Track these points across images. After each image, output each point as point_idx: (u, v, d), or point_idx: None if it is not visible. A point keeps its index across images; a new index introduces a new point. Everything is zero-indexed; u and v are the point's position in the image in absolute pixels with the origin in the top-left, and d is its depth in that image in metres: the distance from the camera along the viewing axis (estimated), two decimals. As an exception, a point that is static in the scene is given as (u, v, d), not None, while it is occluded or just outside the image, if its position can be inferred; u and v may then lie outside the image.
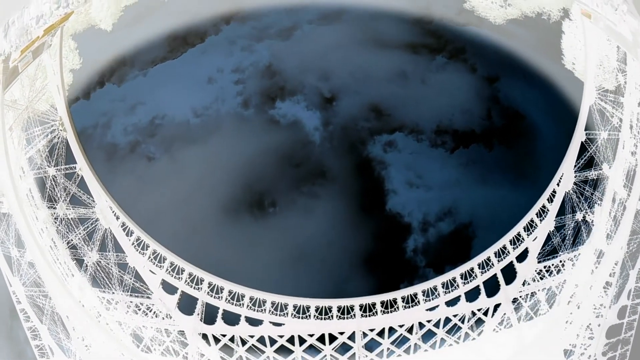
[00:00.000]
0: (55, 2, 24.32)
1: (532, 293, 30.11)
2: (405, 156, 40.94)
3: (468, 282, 30.76)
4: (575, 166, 29.15)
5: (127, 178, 38.46)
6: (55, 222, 27.73)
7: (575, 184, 29.65)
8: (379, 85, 39.32)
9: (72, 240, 27.87)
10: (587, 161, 29.00)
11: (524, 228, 30.77)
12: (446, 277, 31.17)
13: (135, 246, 29.29)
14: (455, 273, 31.14)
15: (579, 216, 29.21)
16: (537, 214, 30.64)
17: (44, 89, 26.96)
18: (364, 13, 40.13)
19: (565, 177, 29.85)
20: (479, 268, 30.92)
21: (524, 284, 30.18)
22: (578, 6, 26.51)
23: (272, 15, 41.41)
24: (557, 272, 29.66)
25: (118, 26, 35.42)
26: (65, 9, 24.97)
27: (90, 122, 39.11)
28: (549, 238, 30.07)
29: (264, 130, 39.79)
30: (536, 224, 30.53)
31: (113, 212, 28.98)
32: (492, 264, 30.74)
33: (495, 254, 30.98)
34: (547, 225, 30.15)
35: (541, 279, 29.88)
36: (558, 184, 30.21)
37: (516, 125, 39.14)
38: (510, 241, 30.89)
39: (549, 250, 30.26)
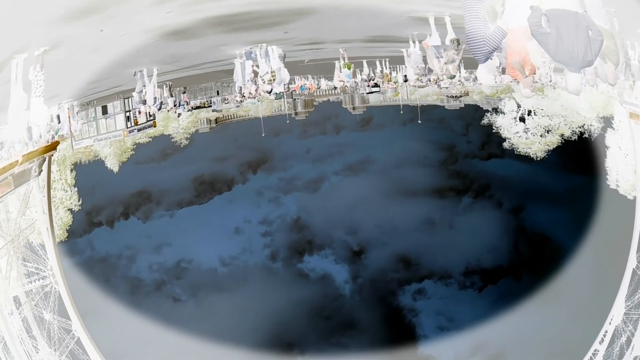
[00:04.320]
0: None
1: None
2: (435, 302, 40.31)
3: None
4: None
5: (152, 315, 37.14)
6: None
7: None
8: (406, 235, 39.80)
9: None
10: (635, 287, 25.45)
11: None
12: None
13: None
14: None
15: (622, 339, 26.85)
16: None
17: (32, 225, 25.12)
18: (389, 161, 42.33)
19: (616, 313, 26.86)
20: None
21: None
22: (623, 111, 24.82)
23: (298, 165, 43.58)
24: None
25: (144, 160, 36.80)
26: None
27: (114, 251, 38.49)
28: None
29: (293, 284, 39.29)
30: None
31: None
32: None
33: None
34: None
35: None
36: (610, 322, 26.96)
37: (542, 249, 39.07)
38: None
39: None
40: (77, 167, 32.47)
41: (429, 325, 39.38)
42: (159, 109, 19.44)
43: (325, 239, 40.64)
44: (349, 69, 18.23)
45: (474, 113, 40.06)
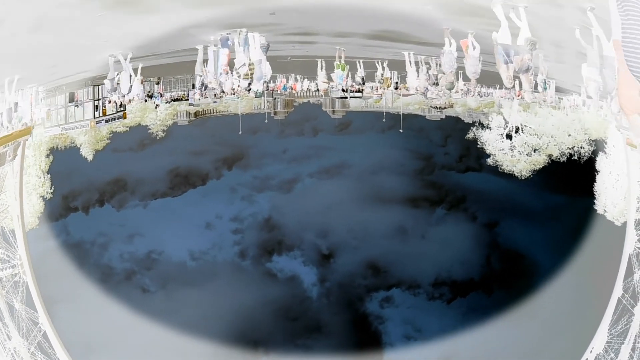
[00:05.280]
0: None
1: None
2: (403, 310, 40.34)
3: None
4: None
5: (122, 306, 37.29)
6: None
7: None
8: (377, 242, 39.86)
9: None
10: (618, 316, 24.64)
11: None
12: None
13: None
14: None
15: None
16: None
17: (5, 211, 24.85)
18: (365, 167, 42.36)
19: (598, 342, 25.79)
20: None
21: None
22: (618, 135, 24.20)
23: (273, 165, 43.58)
24: None
25: (122, 148, 36.62)
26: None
27: (88, 238, 38.45)
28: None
29: (261, 283, 39.25)
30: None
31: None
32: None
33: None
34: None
35: None
36: (591, 351, 25.98)
37: (516, 266, 39.10)
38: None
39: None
40: (55, 151, 32.43)
41: (395, 334, 39.34)
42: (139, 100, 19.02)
43: (296, 240, 40.70)
44: (343, 70, 16.59)
45: (454, 125, 40.22)
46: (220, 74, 11.90)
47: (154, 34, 11.85)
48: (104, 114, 23.06)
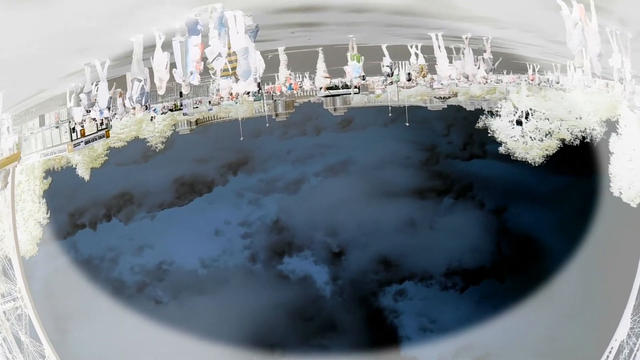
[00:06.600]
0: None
1: None
2: (417, 303, 40.29)
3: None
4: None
5: (135, 318, 37.57)
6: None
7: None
8: (387, 236, 39.77)
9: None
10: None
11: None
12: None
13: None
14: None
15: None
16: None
17: (2, 241, 23.98)
18: (369, 162, 42.18)
19: (622, 329, 24.74)
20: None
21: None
22: (632, 115, 23.52)
23: (278, 167, 43.48)
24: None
25: (125, 162, 36.32)
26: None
27: (97, 254, 38.75)
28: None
29: (273, 285, 39.34)
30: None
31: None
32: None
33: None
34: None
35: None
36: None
37: (526, 251, 38.87)
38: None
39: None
40: (52, 172, 31.98)
41: (411, 327, 39.34)
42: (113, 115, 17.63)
43: (305, 240, 40.79)
44: (359, 61, 13.72)
45: (455, 114, 39.91)
46: (192, 73, 8.24)
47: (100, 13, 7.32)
48: (83, 135, 20.91)
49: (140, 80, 9.57)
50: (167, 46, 8.38)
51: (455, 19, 10.40)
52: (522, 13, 9.26)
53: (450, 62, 13.34)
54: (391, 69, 15.85)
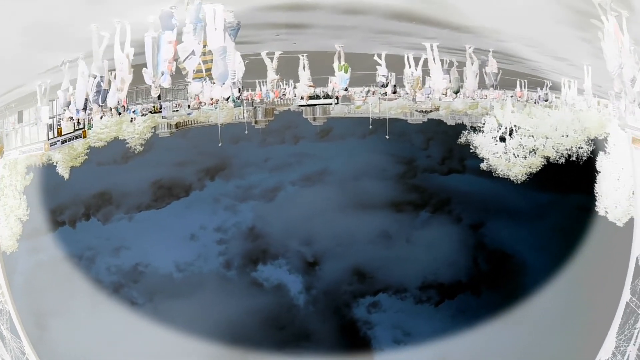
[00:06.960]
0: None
1: None
2: (391, 315, 40.42)
3: None
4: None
5: (111, 319, 37.36)
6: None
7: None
8: (362, 248, 39.94)
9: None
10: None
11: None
12: None
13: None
14: None
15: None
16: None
17: None
18: (347, 173, 42.39)
19: (607, 348, 23.96)
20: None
21: None
22: (621, 134, 23.06)
23: (256, 174, 43.60)
24: None
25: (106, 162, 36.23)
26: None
27: (76, 252, 38.50)
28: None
29: (247, 292, 39.39)
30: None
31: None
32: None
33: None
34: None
35: None
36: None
37: (504, 266, 39.08)
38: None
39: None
40: (34, 168, 32.06)
41: (385, 339, 39.47)
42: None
43: (280, 248, 40.88)
44: (347, 72, 12.72)
45: (436, 127, 40.29)
46: (163, 74, 7.28)
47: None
48: (60, 134, 20.27)
49: (95, 77, 8.72)
50: (139, 45, 7.47)
51: (454, 29, 9.95)
52: (530, 25, 8.83)
53: (447, 73, 12.61)
54: (387, 79, 14.81)
